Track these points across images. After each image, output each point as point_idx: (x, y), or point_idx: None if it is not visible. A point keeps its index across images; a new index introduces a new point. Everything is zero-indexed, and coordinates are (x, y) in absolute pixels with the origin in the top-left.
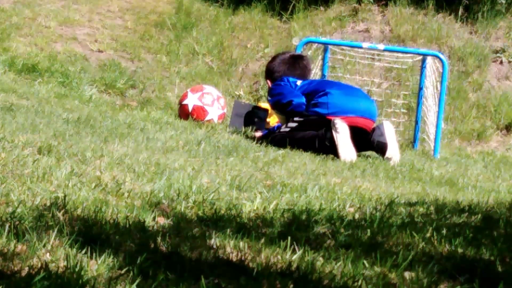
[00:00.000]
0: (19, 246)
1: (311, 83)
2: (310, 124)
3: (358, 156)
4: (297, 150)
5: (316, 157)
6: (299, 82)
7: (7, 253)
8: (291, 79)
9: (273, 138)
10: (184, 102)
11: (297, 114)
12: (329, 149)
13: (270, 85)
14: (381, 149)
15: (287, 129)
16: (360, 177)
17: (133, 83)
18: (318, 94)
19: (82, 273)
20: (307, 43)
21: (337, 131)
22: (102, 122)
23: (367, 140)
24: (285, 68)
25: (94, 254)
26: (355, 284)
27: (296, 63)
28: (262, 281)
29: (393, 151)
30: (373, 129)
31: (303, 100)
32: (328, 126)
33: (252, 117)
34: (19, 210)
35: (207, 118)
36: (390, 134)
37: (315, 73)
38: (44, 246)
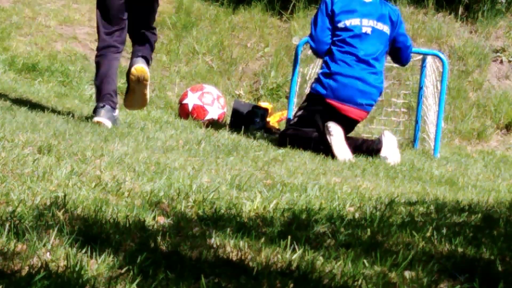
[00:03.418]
0: (19, 246)
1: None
2: (313, 111)
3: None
4: (297, 150)
5: (316, 157)
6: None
7: (7, 252)
8: None
9: (284, 134)
10: (184, 102)
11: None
12: (326, 149)
13: None
14: (376, 151)
15: (296, 119)
16: (360, 177)
17: None
18: (328, 65)
19: (82, 272)
20: (307, 42)
21: (330, 134)
22: None
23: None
24: None
25: (94, 254)
26: (355, 283)
27: None
28: (262, 280)
29: (390, 153)
30: (372, 141)
31: (325, 41)
32: (323, 128)
33: (252, 117)
34: (19, 209)
35: (207, 117)
36: (389, 142)
37: (314, 73)
38: (44, 245)
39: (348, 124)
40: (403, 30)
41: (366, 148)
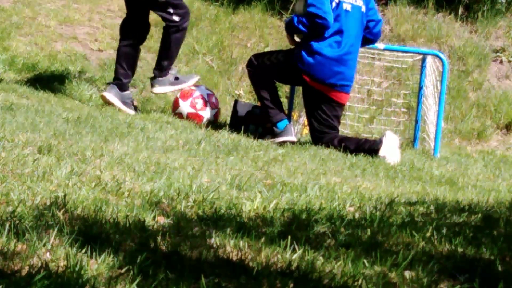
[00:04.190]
0: (19, 245)
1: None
2: (287, 73)
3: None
4: (297, 150)
5: (316, 157)
6: None
7: (7, 252)
8: None
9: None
10: (178, 111)
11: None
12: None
13: None
14: (376, 151)
15: (269, 63)
16: (360, 177)
17: (133, 82)
18: (317, 40)
19: (82, 272)
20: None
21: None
22: (102, 121)
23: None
24: None
25: (94, 254)
26: (355, 283)
27: None
28: (262, 280)
29: (389, 153)
30: (374, 141)
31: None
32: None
33: (252, 117)
34: (19, 209)
35: (204, 121)
36: (390, 142)
37: None
38: (44, 245)
39: (326, 103)
40: (372, 4)
41: (368, 148)
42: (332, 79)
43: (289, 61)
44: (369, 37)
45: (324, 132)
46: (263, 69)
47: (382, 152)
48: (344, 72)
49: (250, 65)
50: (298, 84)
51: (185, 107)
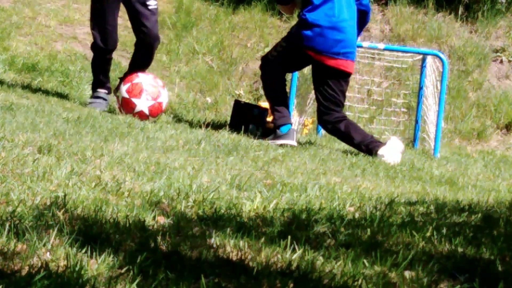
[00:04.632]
0: (19, 245)
1: None
2: (293, 55)
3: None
4: (297, 150)
5: (316, 157)
6: None
7: (7, 252)
8: None
9: (267, 63)
10: (117, 94)
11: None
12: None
13: None
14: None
15: (275, 53)
16: (360, 177)
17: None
18: (311, 11)
19: (82, 272)
20: None
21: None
22: (102, 121)
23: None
24: None
25: (94, 253)
26: (355, 283)
27: None
28: (262, 280)
29: (389, 153)
30: (379, 142)
31: None
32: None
33: (252, 117)
34: (19, 209)
35: (136, 110)
36: (393, 145)
37: None
38: (44, 245)
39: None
40: None
41: (371, 148)
42: (335, 48)
43: (291, 41)
44: (361, 8)
45: (330, 109)
46: (272, 62)
47: (381, 151)
48: (345, 39)
49: (262, 63)
50: (305, 64)
51: (123, 91)
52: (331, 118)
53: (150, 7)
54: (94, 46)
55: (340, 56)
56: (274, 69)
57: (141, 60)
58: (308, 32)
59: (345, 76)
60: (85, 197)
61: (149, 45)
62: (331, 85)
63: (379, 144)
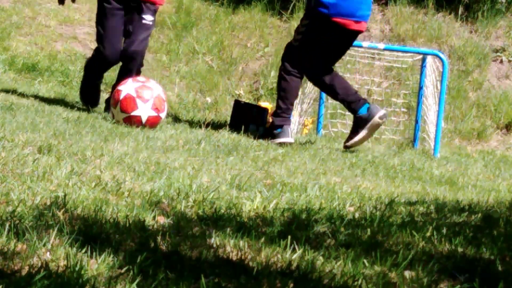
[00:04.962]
0: (19, 245)
1: None
2: (316, 31)
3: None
4: (297, 150)
5: (316, 157)
6: None
7: (7, 252)
8: None
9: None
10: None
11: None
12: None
13: None
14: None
15: (299, 36)
16: (360, 177)
17: None
18: None
19: (82, 272)
20: None
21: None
22: (102, 121)
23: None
24: None
25: (94, 253)
26: (355, 283)
27: None
28: (262, 280)
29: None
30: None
31: None
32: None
33: (252, 117)
34: (19, 209)
35: (122, 97)
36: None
37: None
38: (44, 245)
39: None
40: None
41: (351, 108)
42: (360, 11)
43: (313, 17)
44: None
45: (328, 70)
46: (298, 49)
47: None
48: (365, 1)
49: (285, 53)
50: (332, 38)
51: (131, 87)
52: (321, 75)
53: (144, 21)
54: (96, 50)
55: (365, 18)
56: (299, 58)
57: (124, 72)
58: (329, 0)
59: (356, 37)
60: (85, 197)
61: (130, 57)
62: (342, 52)
63: (359, 105)
